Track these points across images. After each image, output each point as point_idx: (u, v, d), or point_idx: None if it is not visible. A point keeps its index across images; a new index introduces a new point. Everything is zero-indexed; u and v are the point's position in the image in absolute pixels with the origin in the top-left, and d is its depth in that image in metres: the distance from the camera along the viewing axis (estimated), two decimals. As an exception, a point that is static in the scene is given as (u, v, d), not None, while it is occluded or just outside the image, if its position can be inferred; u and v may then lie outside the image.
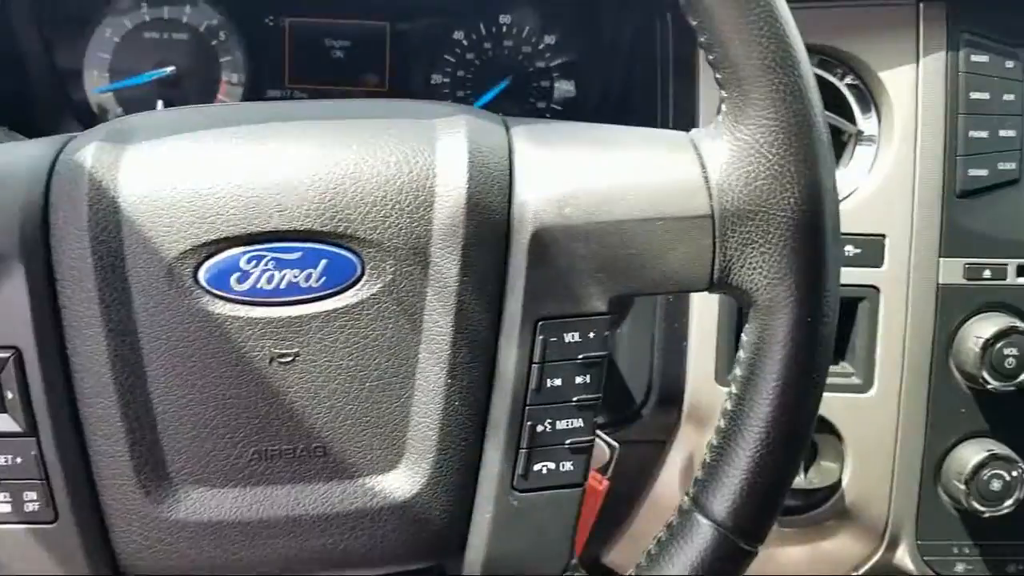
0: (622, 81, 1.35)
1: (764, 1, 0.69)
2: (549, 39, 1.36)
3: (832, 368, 1.17)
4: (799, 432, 0.73)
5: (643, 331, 1.20)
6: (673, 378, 1.19)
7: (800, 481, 1.20)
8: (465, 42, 1.35)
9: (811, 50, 1.17)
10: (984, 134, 1.15)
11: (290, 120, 0.74)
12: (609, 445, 1.10)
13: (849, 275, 1.16)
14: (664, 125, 1.20)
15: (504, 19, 1.35)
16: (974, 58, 1.15)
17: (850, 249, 1.15)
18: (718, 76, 0.71)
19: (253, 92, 1.33)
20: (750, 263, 0.70)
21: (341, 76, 1.35)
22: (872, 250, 1.16)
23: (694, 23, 0.71)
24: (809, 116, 0.70)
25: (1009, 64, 1.16)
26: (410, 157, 0.71)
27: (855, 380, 1.18)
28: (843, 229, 1.13)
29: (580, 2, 1.35)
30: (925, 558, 1.21)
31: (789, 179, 0.69)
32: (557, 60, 1.36)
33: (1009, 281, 1.17)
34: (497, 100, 1.35)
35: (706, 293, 0.74)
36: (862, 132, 1.18)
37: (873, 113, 1.18)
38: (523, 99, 1.36)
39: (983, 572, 1.21)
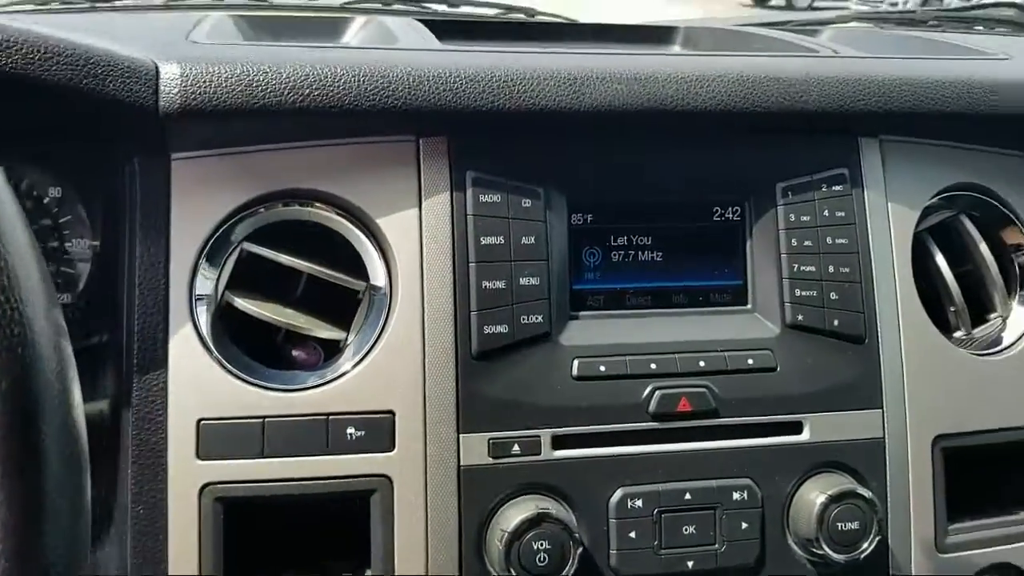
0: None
1: None
2: (55, 192, 1.13)
3: (345, 581, 0.95)
4: None
5: (103, 547, 0.95)
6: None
7: None
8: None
9: (296, 195, 1.01)
10: (501, 284, 0.98)
11: None
12: None
13: (354, 464, 0.95)
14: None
15: (-5, 171, 1.11)
16: (484, 198, 0.99)
17: (352, 432, 0.95)
18: None
19: None
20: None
21: None
22: (379, 431, 0.96)
23: None
24: None
25: (527, 203, 1.00)
26: None
27: (373, 594, 0.96)
28: (344, 407, 0.96)
29: (83, 151, 1.13)
30: None
31: None
32: (66, 216, 1.13)
33: (544, 456, 0.98)
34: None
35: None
36: (377, 288, 0.99)
37: (385, 265, 1.00)
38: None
39: None
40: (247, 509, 0.95)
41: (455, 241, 0.98)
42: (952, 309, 1.17)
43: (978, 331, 1.19)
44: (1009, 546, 1.13)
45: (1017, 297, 1.20)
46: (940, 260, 1.16)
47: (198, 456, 0.93)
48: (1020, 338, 1.17)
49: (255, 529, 0.98)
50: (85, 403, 0.93)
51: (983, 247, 1.17)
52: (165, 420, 0.94)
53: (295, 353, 1.04)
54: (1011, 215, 1.20)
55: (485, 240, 0.99)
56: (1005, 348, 1.16)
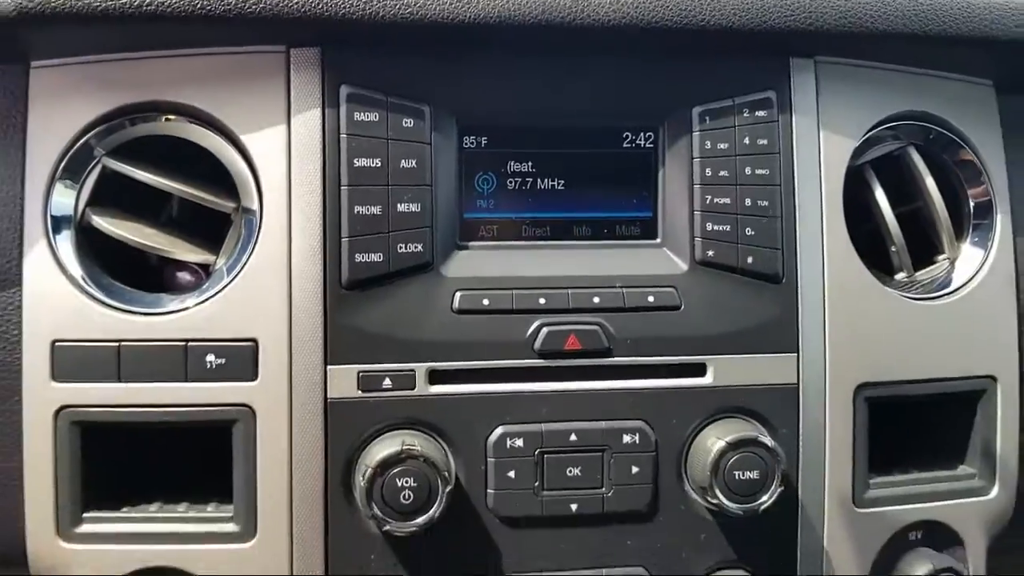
0: None
1: None
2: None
3: (200, 512, 0.92)
4: None
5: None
6: (9, 532, 0.92)
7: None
8: None
9: (159, 107, 0.95)
10: (376, 210, 0.93)
11: None
12: None
13: (214, 393, 0.91)
14: None
15: None
16: (359, 116, 0.92)
17: (212, 359, 0.91)
18: None
19: None
20: None
21: None
22: (241, 360, 0.91)
23: None
24: None
25: (408, 123, 0.93)
26: None
27: (233, 527, 0.93)
28: (203, 334, 0.92)
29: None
30: None
31: None
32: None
33: (419, 391, 0.93)
34: None
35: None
36: (249, 210, 0.94)
37: (257, 187, 0.94)
38: None
39: None
40: (106, 434, 0.92)
41: (326, 162, 0.92)
42: (892, 249, 1.08)
43: (921, 274, 1.10)
44: (938, 503, 1.06)
45: (968, 238, 1.10)
46: (879, 195, 1.07)
47: (53, 378, 0.90)
48: (966, 283, 1.07)
49: (119, 455, 0.95)
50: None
51: (929, 182, 1.07)
52: (20, 340, 0.90)
53: (178, 275, 1.00)
54: (968, 149, 1.09)
55: (359, 162, 0.92)
56: (948, 293, 1.07)
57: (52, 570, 0.92)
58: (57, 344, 0.90)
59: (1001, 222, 1.09)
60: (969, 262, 1.09)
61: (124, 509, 0.94)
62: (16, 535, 0.92)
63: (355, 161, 0.92)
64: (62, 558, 0.91)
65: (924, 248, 1.11)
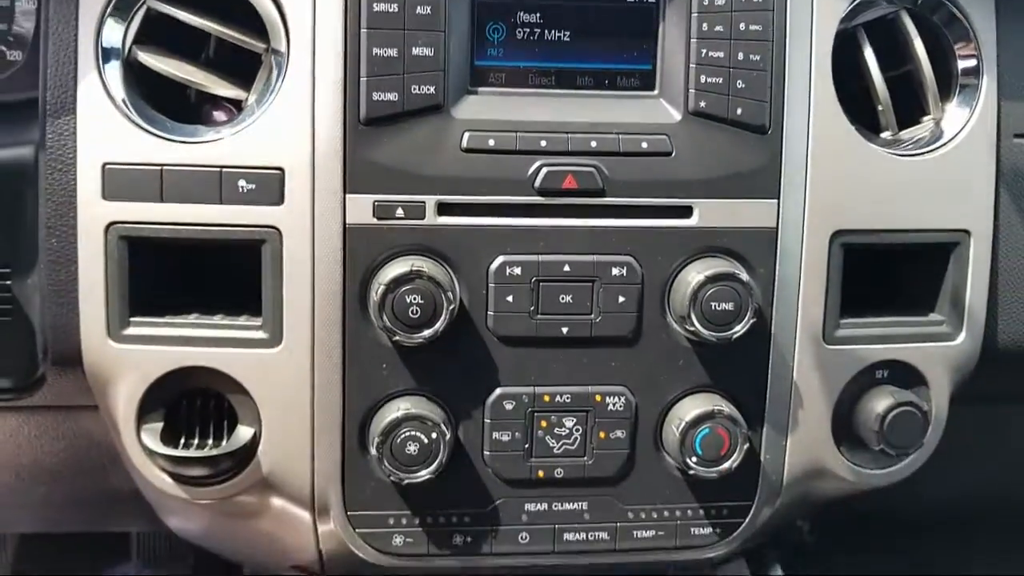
0: None
1: None
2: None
3: (232, 321, 1.04)
4: None
5: (24, 275, 1.05)
6: (66, 334, 1.05)
7: (208, 448, 1.06)
8: None
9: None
10: (392, 52, 1.00)
11: None
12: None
13: (245, 214, 1.02)
14: None
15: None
16: (379, -36, 1.00)
17: (243, 184, 1.01)
18: None
19: None
20: None
21: None
22: (269, 186, 1.01)
23: None
24: None
25: (437, -27, 1.00)
26: None
27: (262, 334, 1.04)
28: (236, 161, 1.02)
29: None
30: (358, 530, 1.09)
31: None
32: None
33: (428, 221, 1.03)
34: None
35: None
36: (278, 50, 1.03)
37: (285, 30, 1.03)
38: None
39: (423, 544, 1.09)
40: (151, 250, 1.03)
41: (347, 7, 1.00)
42: (879, 108, 1.15)
43: (906, 133, 1.16)
44: (902, 345, 1.15)
45: (954, 99, 1.16)
46: (868, 53, 1.12)
47: (104, 197, 1.01)
48: (948, 141, 1.14)
49: (163, 273, 1.07)
50: (19, 146, 1.03)
51: (918, 43, 1.13)
52: (75, 162, 1.01)
53: (214, 113, 1.09)
54: (959, 14, 1.14)
55: (378, 7, 1.00)
56: (930, 150, 1.13)
57: (102, 368, 1.05)
58: (107, 166, 1.01)
59: (987, 84, 1.14)
60: (953, 122, 1.15)
61: (166, 317, 1.06)
62: (72, 336, 1.04)
63: (374, 6, 1.00)
64: (111, 357, 1.04)
65: (912, 112, 1.17)
